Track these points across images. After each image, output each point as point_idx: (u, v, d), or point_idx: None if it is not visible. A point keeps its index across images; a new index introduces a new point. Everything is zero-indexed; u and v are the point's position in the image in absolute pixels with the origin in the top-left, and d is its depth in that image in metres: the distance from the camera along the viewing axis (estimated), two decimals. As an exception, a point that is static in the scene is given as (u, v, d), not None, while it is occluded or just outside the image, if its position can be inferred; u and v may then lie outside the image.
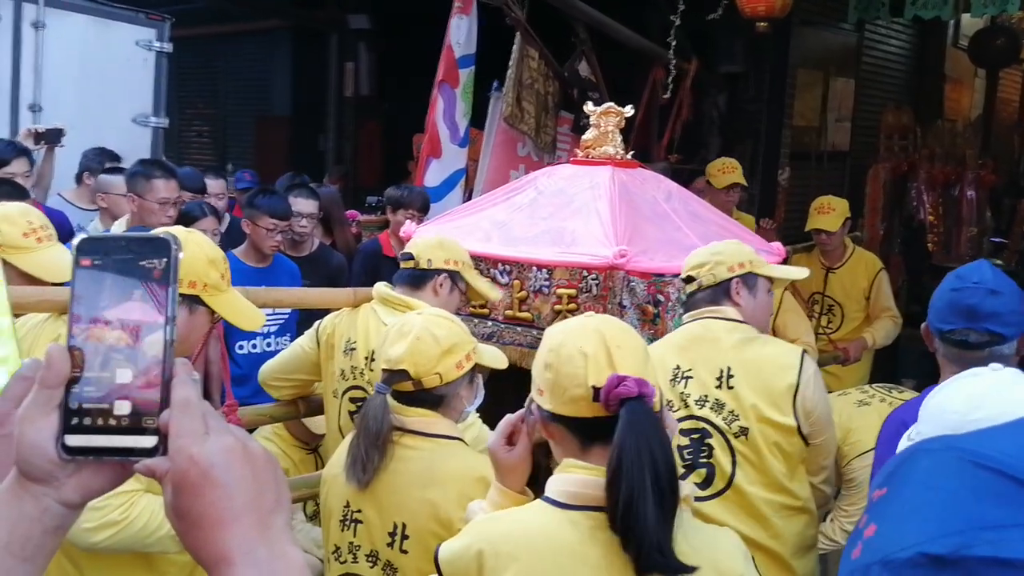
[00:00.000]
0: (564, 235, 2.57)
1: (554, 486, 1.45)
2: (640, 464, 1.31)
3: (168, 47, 5.76)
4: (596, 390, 1.39)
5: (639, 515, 1.30)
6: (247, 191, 5.19)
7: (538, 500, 1.49)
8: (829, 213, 4.71)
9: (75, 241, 0.75)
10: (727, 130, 6.86)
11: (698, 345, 2.22)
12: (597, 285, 2.45)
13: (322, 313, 2.77)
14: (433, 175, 5.26)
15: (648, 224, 2.61)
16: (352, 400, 2.53)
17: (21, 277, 2.26)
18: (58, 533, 0.74)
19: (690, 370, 2.19)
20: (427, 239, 2.64)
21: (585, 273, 2.48)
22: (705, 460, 2.14)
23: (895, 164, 7.01)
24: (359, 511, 1.95)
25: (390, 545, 1.92)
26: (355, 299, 2.66)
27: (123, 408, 0.72)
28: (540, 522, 1.43)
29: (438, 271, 2.52)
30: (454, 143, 5.31)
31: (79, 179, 4.56)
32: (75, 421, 0.72)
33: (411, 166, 6.70)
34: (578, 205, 2.63)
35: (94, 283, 0.73)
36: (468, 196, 5.34)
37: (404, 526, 1.90)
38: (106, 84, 5.50)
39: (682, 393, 2.20)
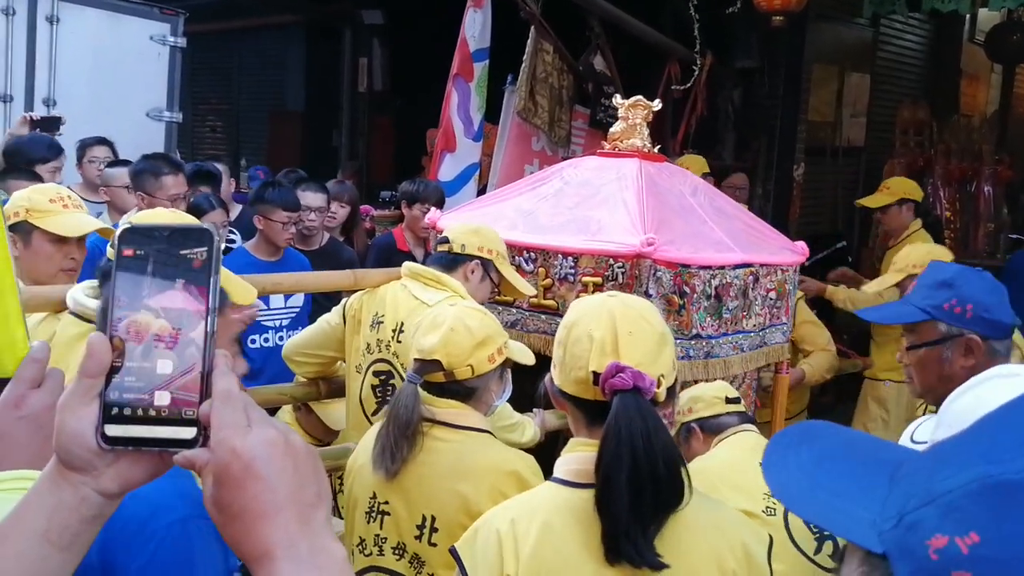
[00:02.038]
0: (590, 224, 2.55)
1: (561, 467, 1.49)
2: (619, 457, 1.34)
3: (182, 42, 5.76)
4: (596, 375, 1.41)
5: (611, 505, 1.34)
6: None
7: (546, 482, 1.53)
8: (881, 192, 4.71)
9: (118, 231, 0.75)
10: (742, 125, 6.82)
11: None
12: (623, 273, 2.42)
13: (333, 305, 2.76)
14: (447, 169, 5.25)
15: (675, 216, 2.59)
16: (376, 374, 2.53)
17: (48, 241, 2.44)
18: (96, 522, 0.74)
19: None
20: (465, 225, 2.65)
21: (611, 261, 2.45)
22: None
23: (911, 160, 6.97)
24: (386, 503, 1.93)
25: (418, 538, 1.90)
26: (355, 282, 2.65)
27: (163, 399, 0.72)
28: (551, 501, 1.46)
29: (471, 257, 2.54)
30: (468, 137, 5.30)
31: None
32: (115, 411, 0.72)
33: (424, 161, 6.69)
34: (605, 195, 2.61)
35: (136, 273, 0.73)
36: (482, 191, 5.33)
37: (433, 519, 1.88)
38: (120, 78, 5.50)
39: None
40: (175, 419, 0.72)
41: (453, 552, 1.50)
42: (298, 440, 0.73)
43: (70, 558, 0.73)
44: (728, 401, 2.25)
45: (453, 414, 1.92)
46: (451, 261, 2.56)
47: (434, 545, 1.88)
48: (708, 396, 2.26)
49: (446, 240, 2.59)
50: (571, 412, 1.51)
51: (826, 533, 2.03)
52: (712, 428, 2.23)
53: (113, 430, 0.71)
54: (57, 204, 2.48)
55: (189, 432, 0.72)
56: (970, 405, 1.76)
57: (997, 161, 6.92)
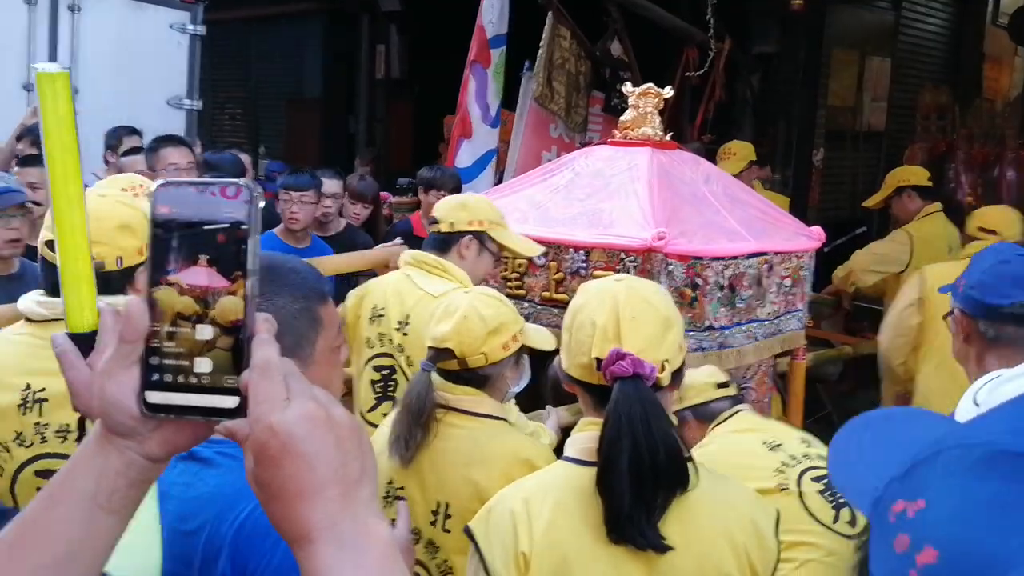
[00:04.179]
0: (602, 216, 2.55)
1: (573, 445, 1.52)
2: (619, 443, 1.36)
3: (202, 30, 5.78)
4: (599, 361, 1.43)
5: (612, 490, 1.37)
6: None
7: (558, 461, 1.56)
8: (881, 190, 4.73)
9: (152, 187, 0.71)
10: (760, 111, 6.79)
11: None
12: (635, 267, 2.43)
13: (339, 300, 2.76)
14: (464, 156, 5.26)
15: (687, 206, 2.59)
16: (376, 369, 2.47)
17: None
18: (144, 486, 0.73)
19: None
20: (451, 201, 2.57)
21: (623, 255, 2.46)
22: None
23: (932, 144, 6.92)
24: (402, 489, 1.96)
25: (433, 524, 1.93)
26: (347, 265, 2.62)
27: (203, 365, 0.68)
28: (563, 479, 1.48)
29: (462, 233, 2.47)
30: (485, 123, 5.30)
31: (105, 159, 4.61)
32: (155, 377, 0.69)
33: (442, 148, 6.70)
34: (616, 186, 2.61)
35: (172, 233, 0.69)
36: (499, 177, 5.34)
37: (447, 505, 1.90)
38: (141, 67, 5.53)
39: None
40: (217, 387, 0.68)
41: (467, 531, 1.52)
42: (341, 413, 0.69)
43: (118, 522, 0.72)
44: (719, 386, 2.23)
45: (468, 401, 1.94)
46: (443, 242, 2.48)
47: (448, 531, 1.91)
48: (698, 383, 2.24)
49: (435, 220, 2.52)
50: (579, 393, 1.55)
51: (840, 500, 2.04)
52: (705, 415, 2.22)
53: (154, 397, 0.69)
54: None
55: (232, 401, 0.68)
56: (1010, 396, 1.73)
57: (1020, 146, 6.84)
